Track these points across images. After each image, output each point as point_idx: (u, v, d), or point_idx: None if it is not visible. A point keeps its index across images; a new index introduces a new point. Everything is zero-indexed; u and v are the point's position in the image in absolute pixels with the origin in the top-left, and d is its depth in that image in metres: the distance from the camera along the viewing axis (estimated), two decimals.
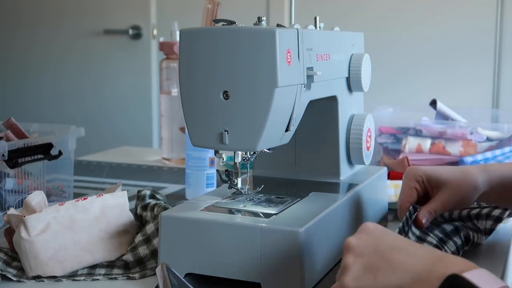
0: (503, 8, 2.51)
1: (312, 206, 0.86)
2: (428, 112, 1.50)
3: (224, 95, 0.81)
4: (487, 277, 0.54)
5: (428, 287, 0.55)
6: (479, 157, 1.30)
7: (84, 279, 0.84)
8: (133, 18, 3.05)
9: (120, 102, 3.10)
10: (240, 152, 0.86)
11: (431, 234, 0.88)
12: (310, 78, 0.87)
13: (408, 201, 0.90)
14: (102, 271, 0.86)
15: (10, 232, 0.89)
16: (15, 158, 1.06)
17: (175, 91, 1.59)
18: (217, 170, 0.93)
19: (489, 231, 0.95)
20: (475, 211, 0.94)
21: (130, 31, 3.04)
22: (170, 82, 1.60)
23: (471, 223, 0.94)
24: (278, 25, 0.85)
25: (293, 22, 0.97)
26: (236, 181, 0.87)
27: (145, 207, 0.95)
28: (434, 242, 0.87)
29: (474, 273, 0.54)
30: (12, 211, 0.87)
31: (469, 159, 1.30)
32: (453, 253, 0.83)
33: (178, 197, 1.22)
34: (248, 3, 2.78)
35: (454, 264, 0.57)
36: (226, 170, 0.88)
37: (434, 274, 0.56)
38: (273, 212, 0.83)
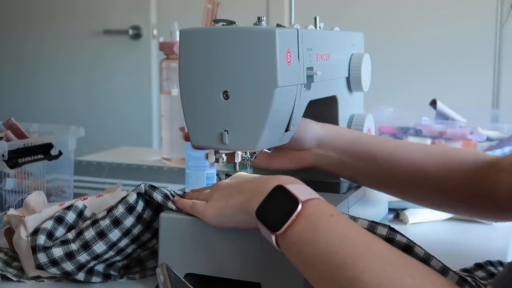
0: (503, 8, 2.51)
1: None
2: (428, 112, 1.49)
3: (224, 95, 0.81)
4: (304, 190, 0.68)
5: (261, 197, 0.68)
6: None
7: (84, 279, 0.84)
8: (133, 18, 3.05)
9: (120, 102, 3.10)
10: (240, 152, 0.86)
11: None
12: (310, 78, 0.87)
13: None
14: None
15: (10, 232, 0.89)
16: (15, 158, 1.06)
17: (175, 91, 1.59)
18: (217, 175, 0.93)
19: None
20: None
21: (130, 31, 3.04)
22: (170, 82, 1.60)
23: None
24: (278, 25, 0.85)
25: (293, 22, 0.97)
26: None
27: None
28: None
29: (295, 186, 0.67)
30: (12, 211, 0.87)
31: None
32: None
33: None
34: (248, 3, 2.78)
35: (284, 180, 0.70)
36: (226, 174, 0.89)
37: (267, 188, 0.68)
38: None
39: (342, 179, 1.01)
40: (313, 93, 0.90)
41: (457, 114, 1.47)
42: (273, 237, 0.66)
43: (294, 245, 0.64)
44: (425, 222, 1.11)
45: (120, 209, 0.81)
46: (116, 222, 0.81)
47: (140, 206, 0.82)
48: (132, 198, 0.81)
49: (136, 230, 0.82)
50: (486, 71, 2.56)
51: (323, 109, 1.00)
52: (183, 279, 0.68)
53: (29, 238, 0.81)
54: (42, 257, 0.80)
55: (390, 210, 1.11)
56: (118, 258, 0.84)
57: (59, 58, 3.19)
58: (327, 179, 1.01)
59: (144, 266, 0.87)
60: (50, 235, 0.81)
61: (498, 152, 1.31)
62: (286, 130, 0.86)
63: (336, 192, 0.96)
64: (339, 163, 0.95)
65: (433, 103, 1.48)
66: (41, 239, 0.80)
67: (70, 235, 0.81)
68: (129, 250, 0.84)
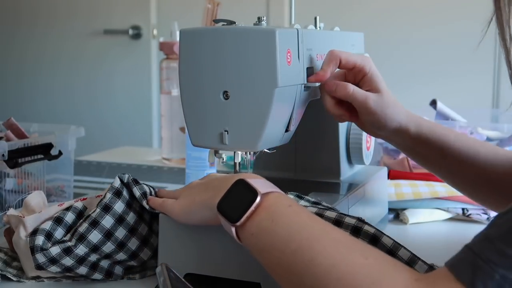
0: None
1: None
2: (428, 112, 1.49)
3: (224, 95, 0.81)
4: (264, 184, 0.69)
5: (223, 191, 0.69)
6: None
7: (84, 279, 0.84)
8: (133, 18, 3.05)
9: (120, 102, 3.10)
10: (240, 152, 0.86)
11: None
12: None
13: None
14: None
15: (10, 232, 0.89)
16: (15, 158, 1.06)
17: (175, 91, 1.59)
18: None
19: None
20: None
21: (130, 31, 3.04)
22: (170, 82, 1.60)
23: None
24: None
25: (293, 22, 0.97)
26: None
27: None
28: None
29: (255, 180, 0.69)
30: (11, 211, 0.87)
31: None
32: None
33: None
34: (248, 3, 2.78)
35: (246, 175, 0.71)
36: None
37: (229, 184, 0.70)
38: None
39: (342, 179, 1.01)
40: (313, 93, 0.90)
41: (457, 114, 1.47)
42: (233, 229, 0.67)
43: (253, 236, 0.66)
44: (425, 222, 1.11)
45: (108, 195, 0.82)
46: (106, 208, 0.81)
47: (126, 193, 0.83)
48: (117, 183, 0.83)
49: (130, 218, 0.83)
50: (486, 71, 2.57)
51: (323, 109, 1.00)
52: (183, 279, 0.68)
53: (28, 238, 0.81)
54: (40, 257, 0.80)
55: (390, 210, 1.11)
56: (123, 256, 0.84)
57: (59, 58, 3.19)
58: (327, 179, 1.01)
59: (144, 266, 0.87)
60: (48, 235, 0.81)
61: None
62: (286, 130, 0.86)
63: (336, 192, 0.96)
64: (411, 150, 0.95)
65: (433, 103, 1.48)
66: (40, 239, 0.80)
67: (67, 237, 0.81)
68: (132, 246, 0.83)
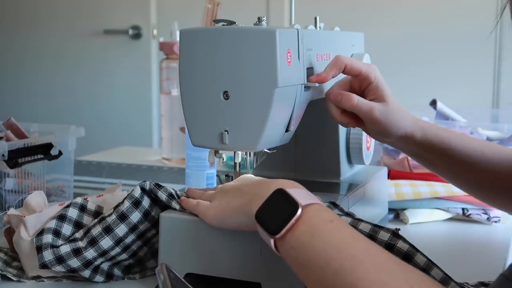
0: (501, 8, 2.51)
1: None
2: (428, 112, 1.49)
3: (224, 95, 0.81)
4: (304, 195, 0.68)
5: (261, 200, 0.68)
6: None
7: (84, 279, 0.84)
8: (133, 18, 3.05)
9: (120, 102, 3.10)
10: (240, 152, 0.86)
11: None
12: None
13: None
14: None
15: (10, 232, 0.89)
16: (15, 158, 1.06)
17: (175, 91, 1.59)
18: (218, 176, 0.93)
19: None
20: None
21: (130, 31, 3.04)
22: (170, 82, 1.60)
23: None
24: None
25: (293, 22, 0.97)
26: None
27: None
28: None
29: (295, 190, 0.68)
30: (12, 211, 0.87)
31: None
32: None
33: None
34: (248, 3, 2.78)
35: (284, 184, 0.70)
36: (226, 175, 0.88)
37: (267, 191, 0.68)
38: None
39: (342, 179, 1.01)
40: (313, 93, 0.90)
41: (457, 114, 1.47)
42: (272, 241, 0.66)
43: (293, 249, 0.64)
44: (425, 222, 1.11)
45: (126, 204, 0.81)
46: (122, 217, 0.81)
47: (146, 201, 0.82)
48: (137, 192, 0.82)
49: (143, 227, 0.83)
50: (486, 70, 2.57)
51: (323, 109, 1.00)
52: (183, 279, 0.68)
53: (34, 239, 0.81)
54: (48, 255, 0.79)
55: (390, 210, 1.11)
56: (124, 256, 0.84)
57: (59, 58, 3.19)
58: (327, 179, 1.01)
59: (144, 266, 0.87)
60: (56, 233, 0.81)
61: None
62: (286, 130, 0.86)
63: (336, 192, 0.96)
64: (417, 155, 0.95)
65: (433, 103, 1.48)
66: (48, 237, 0.80)
67: (78, 234, 0.81)
68: (134, 247, 0.84)
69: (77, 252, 0.80)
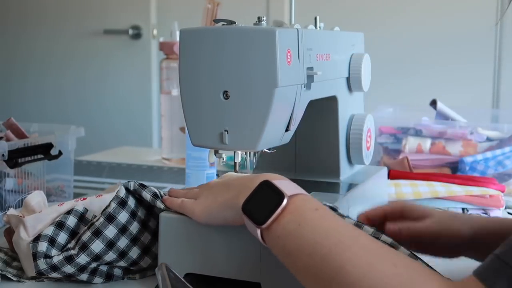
0: (503, 9, 2.51)
1: None
2: (428, 112, 1.49)
3: (224, 95, 0.81)
4: (290, 185, 0.69)
5: (248, 192, 0.69)
6: (479, 157, 1.30)
7: (86, 279, 0.84)
8: (133, 18, 3.05)
9: (120, 102, 3.10)
10: (240, 152, 0.86)
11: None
12: (310, 78, 0.87)
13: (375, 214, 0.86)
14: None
15: (10, 232, 0.89)
16: (15, 158, 1.06)
17: (175, 91, 1.59)
18: (217, 175, 0.93)
19: None
20: None
21: (130, 31, 3.04)
22: (170, 82, 1.60)
23: None
24: (276, 22, 0.85)
25: (293, 22, 0.97)
26: None
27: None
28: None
29: (281, 182, 0.69)
30: (11, 211, 0.87)
31: (469, 159, 1.30)
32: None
33: None
34: (248, 3, 2.78)
35: (270, 176, 0.71)
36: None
37: (253, 184, 0.69)
38: None
39: (342, 179, 1.01)
40: (313, 93, 0.90)
41: (457, 114, 1.47)
42: (259, 231, 0.67)
43: (279, 239, 0.65)
44: None
45: (112, 205, 0.81)
46: (110, 218, 0.81)
47: (131, 202, 0.82)
48: (122, 192, 0.82)
49: (133, 228, 0.82)
50: (486, 71, 2.56)
51: (323, 109, 1.00)
52: (183, 279, 0.68)
53: (31, 245, 0.81)
54: (42, 264, 0.79)
55: None
56: (123, 264, 0.83)
57: (59, 58, 3.19)
58: (327, 179, 1.01)
59: (144, 266, 0.87)
60: (52, 241, 0.81)
61: (498, 152, 1.31)
62: (286, 130, 0.86)
63: (336, 192, 0.96)
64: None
65: (433, 103, 1.48)
66: (43, 245, 0.80)
67: (71, 244, 0.81)
68: (133, 255, 0.83)
69: (69, 259, 0.80)
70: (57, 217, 0.84)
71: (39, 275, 0.81)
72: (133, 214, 0.82)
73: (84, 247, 0.80)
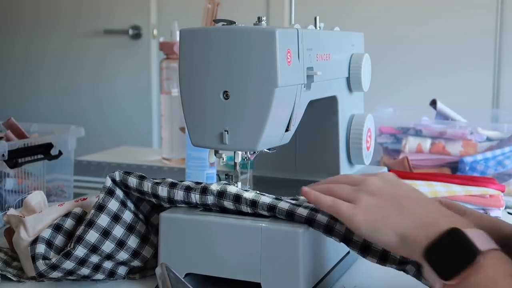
0: (503, 8, 2.51)
1: None
2: (428, 112, 1.49)
3: (224, 95, 0.81)
4: (482, 237, 0.61)
5: (430, 232, 0.62)
6: (479, 157, 1.30)
7: (84, 279, 0.84)
8: (133, 18, 3.05)
9: (120, 102, 3.10)
10: (240, 152, 0.86)
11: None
12: (310, 78, 0.87)
13: None
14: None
15: (10, 232, 0.89)
16: (15, 158, 1.06)
17: (175, 91, 1.59)
18: (217, 175, 0.93)
19: None
20: None
21: (130, 31, 3.04)
22: (170, 82, 1.60)
23: None
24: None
25: (293, 22, 0.97)
26: (236, 184, 0.87)
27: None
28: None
29: (474, 233, 0.61)
30: (12, 211, 0.87)
31: (469, 159, 1.30)
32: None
33: None
34: (248, 3, 2.78)
35: (455, 221, 0.63)
36: (226, 174, 0.89)
37: (436, 224, 0.62)
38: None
39: None
40: (313, 93, 0.90)
41: (457, 114, 1.47)
42: (441, 284, 0.61)
43: None
44: None
45: (101, 196, 0.82)
46: (100, 208, 0.82)
47: (119, 192, 0.83)
48: (108, 182, 0.83)
49: (126, 216, 0.83)
50: (486, 71, 2.56)
51: (323, 109, 1.00)
52: (183, 279, 0.68)
53: (29, 247, 0.81)
54: (41, 265, 0.80)
55: None
56: (125, 255, 0.83)
57: (59, 58, 3.19)
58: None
59: (144, 266, 0.87)
60: (49, 244, 0.81)
61: (498, 152, 1.31)
62: (286, 130, 0.86)
63: None
64: None
65: (433, 103, 1.48)
66: (41, 248, 0.80)
67: (68, 247, 0.81)
68: (132, 244, 0.83)
69: (67, 254, 0.80)
70: (57, 218, 0.84)
71: (40, 277, 0.81)
72: (123, 204, 0.83)
73: (79, 240, 0.80)
